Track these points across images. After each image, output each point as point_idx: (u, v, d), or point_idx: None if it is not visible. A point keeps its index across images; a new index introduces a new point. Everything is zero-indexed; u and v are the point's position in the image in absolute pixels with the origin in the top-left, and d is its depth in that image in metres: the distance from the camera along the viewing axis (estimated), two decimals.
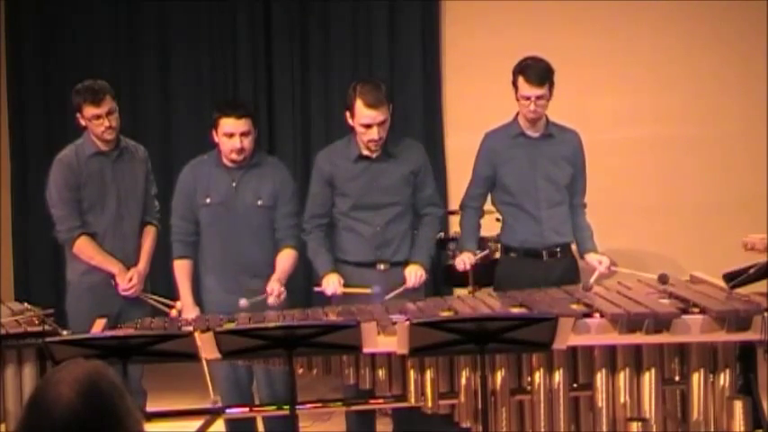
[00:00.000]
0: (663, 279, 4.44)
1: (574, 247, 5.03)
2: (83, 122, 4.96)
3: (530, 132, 4.93)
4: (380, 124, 4.70)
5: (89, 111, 4.90)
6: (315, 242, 4.86)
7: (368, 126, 4.70)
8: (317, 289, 4.82)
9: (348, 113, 4.75)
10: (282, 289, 4.73)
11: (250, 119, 4.80)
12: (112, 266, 4.95)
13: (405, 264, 4.82)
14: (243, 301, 4.54)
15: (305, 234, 4.89)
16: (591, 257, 4.89)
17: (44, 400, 1.91)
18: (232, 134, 4.76)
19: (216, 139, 4.84)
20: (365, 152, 4.81)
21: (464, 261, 4.94)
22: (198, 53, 7.38)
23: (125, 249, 5.01)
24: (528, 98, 4.79)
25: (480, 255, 5.04)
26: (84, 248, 4.96)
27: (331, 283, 4.74)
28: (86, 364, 1.97)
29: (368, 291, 4.59)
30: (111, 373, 1.99)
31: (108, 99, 4.92)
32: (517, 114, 4.94)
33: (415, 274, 4.77)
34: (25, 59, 7.43)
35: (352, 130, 4.80)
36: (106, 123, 4.92)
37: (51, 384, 1.92)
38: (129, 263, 5.00)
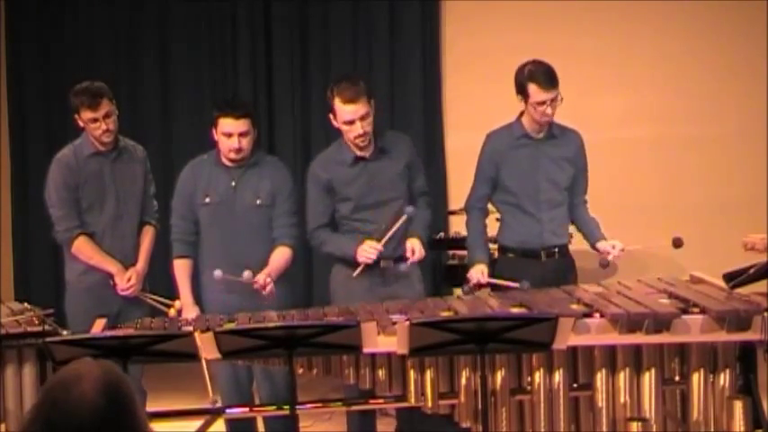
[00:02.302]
0: (677, 243, 4.50)
1: (571, 247, 5.03)
2: (80, 124, 4.96)
3: (533, 133, 4.92)
4: (362, 119, 4.71)
5: (86, 114, 4.89)
6: (324, 235, 4.85)
7: (350, 122, 4.71)
8: (355, 274, 4.71)
9: (332, 116, 4.76)
10: (269, 280, 4.70)
11: (249, 119, 4.79)
12: (111, 266, 4.95)
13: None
14: (218, 272, 4.54)
15: (313, 242, 4.90)
16: (602, 244, 4.87)
17: (67, 401, 1.91)
18: (230, 134, 4.76)
19: (215, 136, 4.84)
20: (359, 153, 4.81)
21: (477, 278, 4.86)
22: (198, 53, 7.38)
23: (124, 249, 5.01)
24: (543, 103, 4.76)
25: (497, 282, 4.88)
26: (83, 248, 4.96)
27: (368, 249, 4.67)
28: (102, 365, 1.98)
29: (402, 219, 4.67)
30: (123, 373, 2.00)
31: (105, 102, 4.91)
32: (520, 115, 4.93)
33: (417, 246, 4.76)
34: (25, 60, 7.43)
35: (339, 132, 4.80)
36: (103, 127, 4.91)
37: (71, 385, 1.93)
38: (128, 263, 5.00)
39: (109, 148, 5.01)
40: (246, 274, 4.63)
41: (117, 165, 5.04)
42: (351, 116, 4.70)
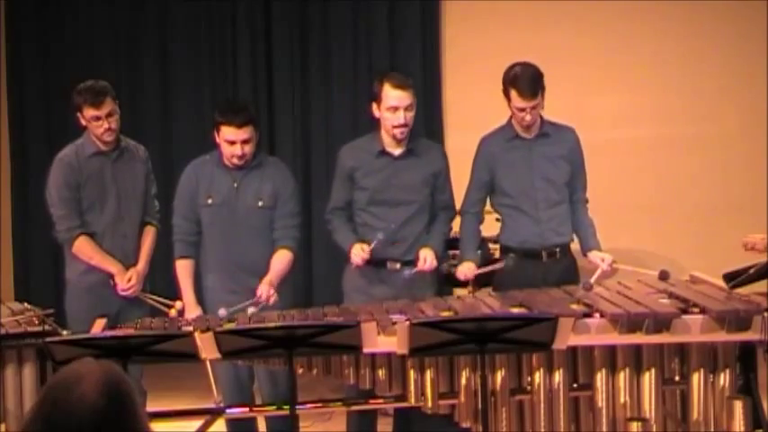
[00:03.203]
0: (663, 275, 4.45)
1: (573, 246, 5.02)
2: (83, 122, 4.96)
3: (524, 134, 4.92)
4: (407, 109, 4.71)
5: (89, 112, 4.90)
6: (336, 222, 4.87)
7: (395, 109, 4.70)
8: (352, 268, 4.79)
9: (375, 105, 4.76)
10: (273, 291, 4.69)
11: (251, 126, 4.78)
12: (111, 266, 4.95)
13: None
14: (222, 311, 4.40)
15: (328, 225, 4.92)
16: (594, 255, 4.87)
17: (67, 401, 1.92)
18: (233, 141, 4.76)
19: (217, 140, 4.84)
20: (388, 148, 4.81)
21: (465, 273, 4.90)
22: (198, 53, 7.38)
23: (124, 249, 5.01)
24: (523, 110, 4.78)
25: (484, 269, 4.95)
26: (84, 248, 4.96)
27: (355, 254, 4.71)
28: (103, 365, 1.99)
29: (374, 243, 4.68)
30: (124, 373, 2.00)
31: (108, 101, 4.92)
32: (511, 117, 4.93)
33: (429, 257, 4.76)
34: (25, 60, 7.42)
35: (377, 122, 4.80)
36: (105, 125, 4.91)
37: (72, 385, 1.93)
38: (129, 263, 4.99)
39: (110, 147, 5.01)
40: (255, 298, 4.63)
41: (118, 165, 5.04)
42: (397, 102, 4.70)
